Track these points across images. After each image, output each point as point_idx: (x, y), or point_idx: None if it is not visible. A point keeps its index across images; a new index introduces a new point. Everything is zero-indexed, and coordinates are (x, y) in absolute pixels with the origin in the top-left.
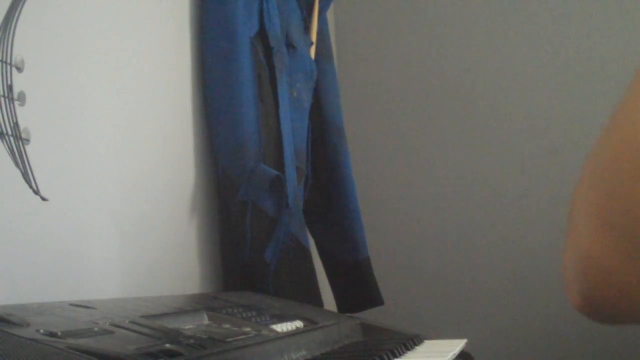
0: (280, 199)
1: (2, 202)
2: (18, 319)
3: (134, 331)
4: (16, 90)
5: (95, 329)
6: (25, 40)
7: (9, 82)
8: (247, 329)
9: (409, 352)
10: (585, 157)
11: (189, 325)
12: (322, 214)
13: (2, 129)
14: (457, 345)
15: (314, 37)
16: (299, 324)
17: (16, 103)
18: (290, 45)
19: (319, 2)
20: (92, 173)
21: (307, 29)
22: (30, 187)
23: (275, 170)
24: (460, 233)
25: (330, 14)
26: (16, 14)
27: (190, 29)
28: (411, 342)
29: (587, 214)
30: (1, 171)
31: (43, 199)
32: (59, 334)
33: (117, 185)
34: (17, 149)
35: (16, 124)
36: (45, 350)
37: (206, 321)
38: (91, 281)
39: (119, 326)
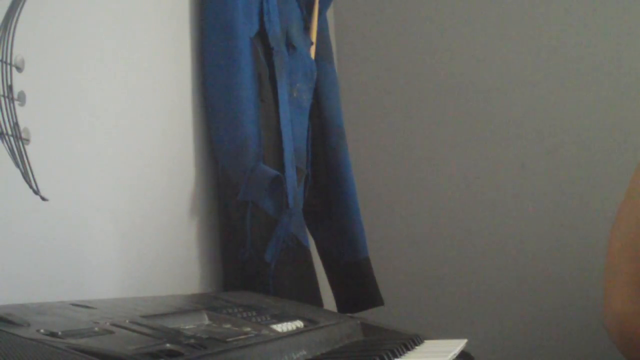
0: (280, 199)
1: (2, 202)
2: (18, 319)
3: (134, 331)
4: (16, 90)
5: (96, 328)
6: (25, 40)
7: (9, 82)
8: (248, 329)
9: (409, 352)
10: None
11: (189, 325)
12: (322, 214)
13: (2, 129)
14: (457, 345)
15: (314, 37)
16: (299, 324)
17: (16, 103)
18: (290, 45)
19: (319, 2)
20: (92, 173)
21: (307, 29)
22: (30, 187)
23: (275, 170)
24: (461, 233)
25: (330, 14)
26: (16, 14)
27: (190, 29)
28: (411, 342)
29: (622, 283)
30: (1, 171)
31: (43, 199)
32: (60, 334)
33: (117, 185)
34: (17, 149)
35: (16, 124)
36: (45, 350)
37: (206, 321)
38: (91, 281)
39: (119, 326)
